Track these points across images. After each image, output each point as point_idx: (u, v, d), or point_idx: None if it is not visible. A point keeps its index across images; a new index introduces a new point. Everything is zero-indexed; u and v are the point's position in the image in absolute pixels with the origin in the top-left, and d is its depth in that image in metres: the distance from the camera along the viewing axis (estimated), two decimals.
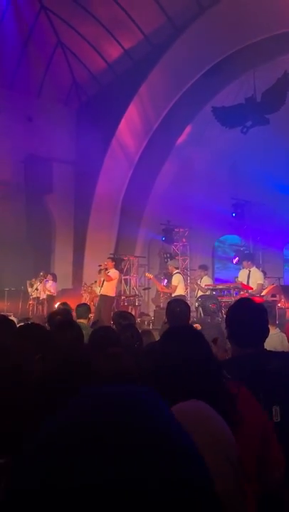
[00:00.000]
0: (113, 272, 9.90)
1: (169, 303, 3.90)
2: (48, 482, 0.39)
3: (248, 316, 2.15)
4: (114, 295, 10.21)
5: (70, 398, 0.48)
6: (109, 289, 9.83)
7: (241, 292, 8.29)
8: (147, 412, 0.45)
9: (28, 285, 12.61)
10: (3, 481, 0.90)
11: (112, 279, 9.77)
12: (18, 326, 3.59)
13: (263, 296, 8.49)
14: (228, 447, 0.88)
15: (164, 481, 0.39)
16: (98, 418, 0.44)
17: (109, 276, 9.72)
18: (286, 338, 4.29)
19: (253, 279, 8.34)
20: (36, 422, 0.87)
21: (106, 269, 10.00)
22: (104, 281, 9.83)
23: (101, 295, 9.80)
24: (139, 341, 3.66)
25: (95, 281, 11.14)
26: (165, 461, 0.41)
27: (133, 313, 10.86)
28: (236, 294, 8.43)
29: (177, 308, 3.56)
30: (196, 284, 9.93)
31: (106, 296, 9.73)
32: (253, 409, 1.48)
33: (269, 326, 2.21)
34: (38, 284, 11.96)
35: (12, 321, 3.01)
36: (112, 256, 11.16)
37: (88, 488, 0.38)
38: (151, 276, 11.08)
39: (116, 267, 10.67)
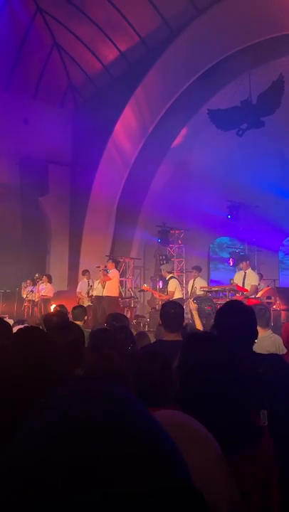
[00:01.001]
0: (112, 272, 9.91)
1: (163, 305, 3.89)
2: (20, 493, 0.38)
3: (236, 319, 2.15)
4: (117, 295, 10.21)
5: (40, 400, 0.47)
6: (112, 290, 9.83)
7: (237, 294, 8.31)
8: (119, 409, 0.44)
9: (22, 287, 12.59)
10: None
11: (110, 279, 9.77)
12: (13, 328, 3.58)
13: (258, 298, 8.52)
14: (216, 449, 0.88)
15: (141, 480, 0.39)
16: (67, 420, 0.43)
17: (107, 276, 9.72)
18: (281, 340, 4.30)
19: (248, 280, 8.36)
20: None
21: (105, 269, 9.99)
22: (105, 282, 9.82)
23: (105, 296, 9.77)
24: (133, 343, 3.67)
25: (91, 286, 11.08)
26: (145, 463, 0.40)
27: (129, 315, 10.87)
28: (231, 295, 8.45)
29: (171, 310, 3.55)
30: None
31: (110, 296, 9.71)
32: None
33: (261, 328, 2.22)
34: (33, 286, 11.95)
35: (7, 323, 3.01)
36: (113, 257, 11.13)
37: (58, 496, 0.38)
38: (147, 288, 11.13)
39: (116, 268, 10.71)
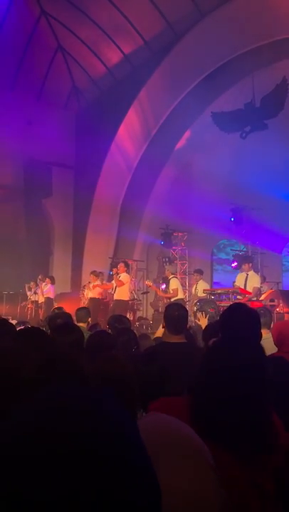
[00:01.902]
0: (124, 276, 9.85)
1: (166, 307, 3.89)
2: None
3: (240, 321, 2.15)
4: (128, 299, 10.19)
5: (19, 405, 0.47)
6: (122, 293, 9.82)
7: (238, 297, 8.30)
8: (99, 419, 0.44)
9: (26, 288, 12.61)
10: None
11: (123, 284, 9.75)
12: (17, 329, 3.60)
13: (261, 300, 8.50)
14: (204, 449, 0.87)
15: (101, 492, 0.39)
16: (44, 427, 0.43)
17: (120, 281, 9.68)
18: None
19: (250, 282, 8.35)
20: None
21: (117, 273, 9.96)
22: (116, 286, 9.82)
23: (115, 300, 9.78)
24: (136, 345, 3.67)
25: (89, 282, 11.11)
26: (113, 474, 0.40)
27: (131, 317, 10.87)
28: (235, 298, 8.43)
29: (175, 312, 3.54)
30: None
31: (120, 300, 9.69)
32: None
33: (262, 330, 2.22)
34: (36, 287, 11.97)
35: (11, 324, 3.02)
36: (124, 260, 11.08)
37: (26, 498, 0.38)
38: (150, 284, 11.11)
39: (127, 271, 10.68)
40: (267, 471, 1.22)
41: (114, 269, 10.27)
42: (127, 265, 10.25)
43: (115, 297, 9.77)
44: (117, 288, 9.75)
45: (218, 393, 1.27)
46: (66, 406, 0.45)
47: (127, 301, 10.16)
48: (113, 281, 10.13)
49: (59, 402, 0.46)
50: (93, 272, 11.00)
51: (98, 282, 10.79)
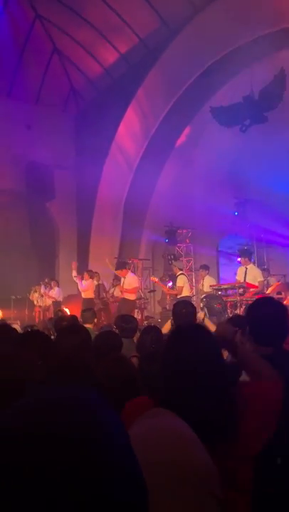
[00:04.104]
0: (131, 280, 9.72)
1: (174, 305, 3.90)
2: None
3: (269, 315, 2.14)
4: (134, 298, 10.15)
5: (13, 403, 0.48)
6: (129, 294, 9.79)
7: (240, 290, 8.25)
8: (85, 418, 0.44)
9: (32, 292, 12.65)
10: None
11: (130, 292, 9.69)
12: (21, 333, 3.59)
13: (268, 293, 8.45)
14: (211, 478, 0.83)
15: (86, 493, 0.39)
16: (30, 425, 0.43)
17: (126, 290, 9.56)
18: None
19: (250, 276, 8.30)
20: None
21: (116, 278, 9.99)
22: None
23: (122, 299, 9.73)
24: (155, 344, 3.64)
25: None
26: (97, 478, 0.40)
27: (139, 315, 10.87)
28: (241, 292, 8.39)
29: (183, 309, 3.55)
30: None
31: (127, 299, 9.63)
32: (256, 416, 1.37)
33: None
34: (42, 291, 12.00)
35: (13, 328, 3.01)
36: (121, 260, 11.08)
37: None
38: (156, 279, 11.08)
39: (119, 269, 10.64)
40: (236, 460, 1.22)
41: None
42: (126, 266, 10.17)
43: (122, 296, 9.73)
44: (124, 288, 9.70)
45: (177, 385, 1.27)
46: (49, 404, 0.46)
47: (134, 300, 10.11)
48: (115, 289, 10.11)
49: (41, 402, 0.46)
50: (88, 271, 11.04)
51: (90, 281, 10.78)
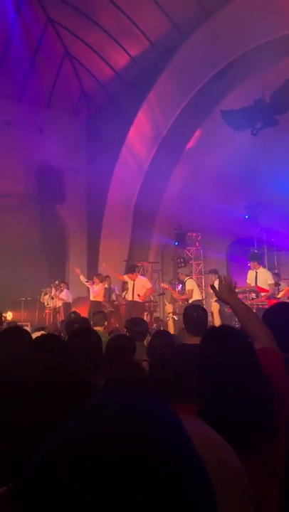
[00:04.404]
0: (143, 283, 9.80)
1: (185, 308, 3.87)
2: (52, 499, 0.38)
3: (285, 321, 2.14)
4: (144, 300, 10.20)
5: (78, 407, 0.47)
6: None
7: (254, 295, 8.20)
8: (157, 428, 0.44)
9: (42, 294, 12.70)
10: (10, 506, 0.88)
11: (147, 294, 9.75)
12: (32, 335, 3.60)
13: (279, 298, 8.39)
14: (244, 477, 0.83)
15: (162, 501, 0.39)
16: (106, 432, 0.42)
17: (140, 296, 9.62)
18: None
19: (261, 279, 8.25)
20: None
21: (93, 283, 10.10)
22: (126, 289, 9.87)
23: (131, 302, 9.76)
24: (167, 347, 3.63)
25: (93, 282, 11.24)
26: (170, 483, 0.40)
27: (148, 319, 10.85)
28: (252, 296, 8.34)
29: (194, 313, 3.52)
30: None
31: (135, 302, 9.67)
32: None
33: None
34: (52, 293, 12.04)
35: (26, 331, 3.02)
36: (130, 264, 11.10)
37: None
38: (167, 286, 11.08)
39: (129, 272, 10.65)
40: (279, 459, 1.21)
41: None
42: (134, 270, 10.22)
43: (130, 298, 9.73)
44: (134, 290, 9.73)
45: (217, 392, 1.26)
46: (120, 413, 0.45)
47: (144, 302, 10.13)
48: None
49: (111, 409, 0.46)
50: (98, 275, 11.10)
51: (100, 285, 10.85)
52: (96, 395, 0.49)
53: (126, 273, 9.92)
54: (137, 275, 9.87)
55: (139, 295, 9.52)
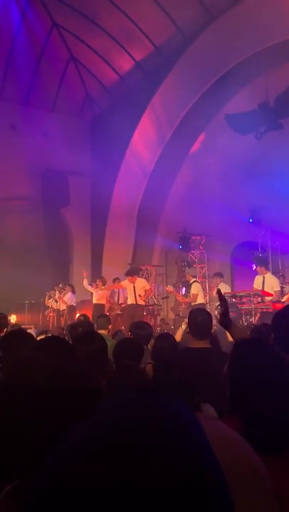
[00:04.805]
0: (143, 284, 9.88)
1: (190, 312, 3.86)
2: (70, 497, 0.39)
3: None
4: (144, 303, 10.22)
5: (99, 404, 0.48)
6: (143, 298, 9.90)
7: (259, 299, 8.19)
8: (179, 428, 0.44)
9: (46, 297, 12.71)
10: (15, 504, 0.88)
11: (148, 295, 9.81)
12: (38, 338, 3.60)
13: (283, 302, 8.37)
14: (266, 480, 0.82)
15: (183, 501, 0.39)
16: (126, 429, 0.43)
17: (141, 297, 9.69)
18: None
19: (268, 285, 8.23)
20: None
21: (97, 287, 10.15)
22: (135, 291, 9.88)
23: (132, 305, 9.79)
24: (171, 350, 3.63)
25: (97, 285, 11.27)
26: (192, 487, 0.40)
27: (152, 322, 10.84)
28: (256, 300, 8.32)
29: (199, 317, 3.51)
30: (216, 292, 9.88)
31: (137, 305, 9.70)
32: None
33: None
34: (57, 296, 12.05)
35: (30, 334, 3.02)
36: (131, 269, 11.15)
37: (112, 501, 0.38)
38: (171, 289, 11.09)
39: (138, 275, 10.68)
40: None
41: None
42: (133, 272, 10.26)
43: (131, 302, 9.77)
44: (136, 293, 9.78)
45: (245, 395, 1.28)
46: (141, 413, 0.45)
47: (144, 305, 10.18)
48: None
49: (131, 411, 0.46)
50: (101, 279, 11.15)
51: (103, 288, 10.97)
52: (117, 395, 0.50)
53: (126, 275, 9.99)
54: (136, 278, 9.93)
55: (140, 295, 9.58)
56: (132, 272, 10.09)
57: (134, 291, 9.73)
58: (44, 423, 0.99)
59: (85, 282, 11.56)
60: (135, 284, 9.76)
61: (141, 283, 9.95)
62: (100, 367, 2.57)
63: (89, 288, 11.48)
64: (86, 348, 2.71)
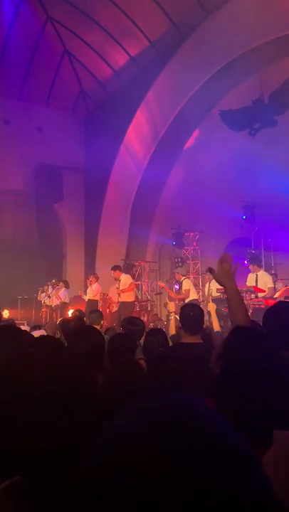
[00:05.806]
0: (125, 281, 9.91)
1: (182, 308, 3.87)
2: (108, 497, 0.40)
3: (284, 319, 2.17)
4: (133, 300, 10.25)
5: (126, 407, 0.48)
6: (128, 295, 9.88)
7: (252, 295, 8.24)
8: (199, 424, 0.44)
9: (39, 292, 12.69)
10: (12, 501, 0.88)
11: (128, 291, 9.82)
12: (32, 334, 3.60)
13: (276, 298, 8.43)
14: None
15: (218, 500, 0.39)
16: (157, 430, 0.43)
17: (122, 291, 9.77)
18: None
19: (261, 282, 8.29)
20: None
21: (91, 284, 10.17)
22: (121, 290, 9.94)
23: (121, 302, 9.83)
24: (163, 346, 3.64)
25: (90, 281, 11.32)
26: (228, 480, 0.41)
27: (145, 318, 10.88)
28: (249, 297, 8.36)
29: (191, 312, 3.53)
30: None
31: (126, 302, 9.74)
32: None
33: None
34: (50, 291, 12.03)
35: (22, 330, 3.01)
36: (117, 265, 11.21)
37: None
38: (163, 285, 11.12)
39: (126, 271, 10.69)
40: None
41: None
42: (118, 269, 10.33)
43: (121, 299, 9.81)
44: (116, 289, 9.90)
45: (238, 384, 1.25)
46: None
47: (133, 302, 10.23)
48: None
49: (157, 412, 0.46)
50: (94, 275, 11.18)
51: (97, 284, 11.02)
52: (149, 396, 0.50)
53: (112, 269, 10.07)
54: (120, 273, 10.01)
55: (123, 290, 9.65)
56: (116, 268, 10.26)
57: (118, 287, 9.90)
58: (43, 416, 0.99)
59: (81, 293, 11.72)
60: (121, 280, 9.89)
61: (124, 278, 10.10)
62: (98, 362, 2.58)
63: (81, 296, 11.61)
64: (84, 342, 2.71)
